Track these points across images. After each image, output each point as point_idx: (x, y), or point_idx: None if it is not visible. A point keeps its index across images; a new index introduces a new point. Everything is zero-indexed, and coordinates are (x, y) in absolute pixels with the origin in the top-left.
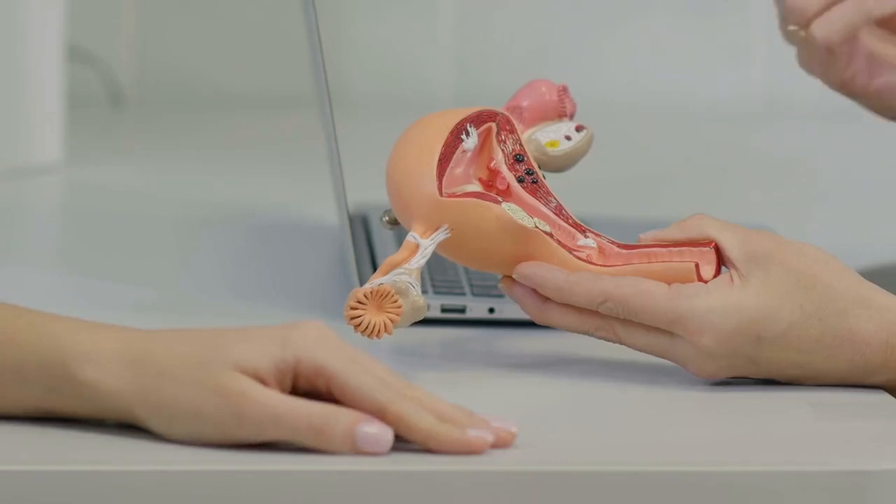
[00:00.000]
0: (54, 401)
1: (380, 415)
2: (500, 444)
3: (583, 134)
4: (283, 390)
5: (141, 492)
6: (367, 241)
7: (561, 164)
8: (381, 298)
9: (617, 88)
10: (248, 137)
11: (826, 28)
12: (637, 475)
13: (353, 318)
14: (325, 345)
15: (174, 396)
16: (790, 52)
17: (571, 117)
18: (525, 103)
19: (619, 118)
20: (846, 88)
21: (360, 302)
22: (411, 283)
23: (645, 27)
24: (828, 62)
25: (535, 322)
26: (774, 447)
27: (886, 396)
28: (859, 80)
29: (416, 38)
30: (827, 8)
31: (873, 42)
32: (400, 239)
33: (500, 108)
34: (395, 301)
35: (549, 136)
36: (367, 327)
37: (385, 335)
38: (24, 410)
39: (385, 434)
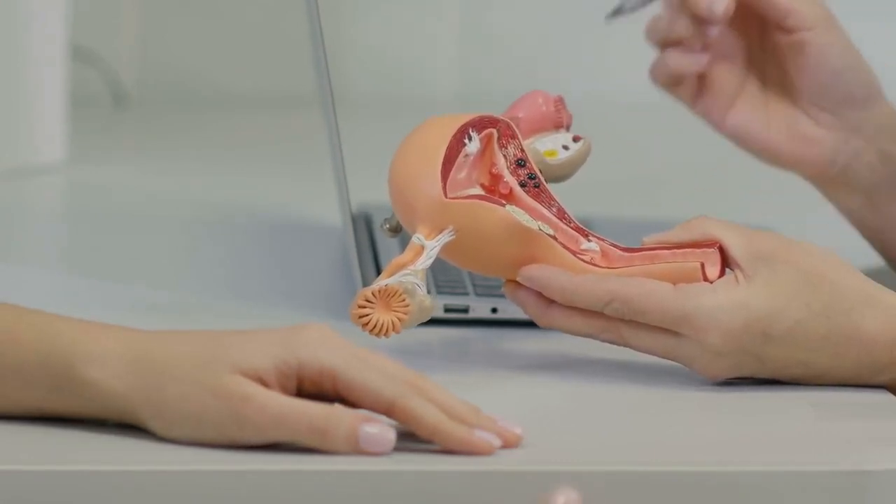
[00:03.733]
0: (56, 401)
1: (388, 410)
2: (506, 446)
3: (580, 144)
4: (286, 393)
5: (141, 492)
6: (369, 242)
7: (559, 174)
8: (388, 297)
9: (617, 88)
10: (250, 137)
11: (653, 72)
12: (637, 475)
13: (361, 317)
14: (328, 345)
15: (176, 397)
16: None
17: (568, 128)
18: (521, 114)
19: (619, 118)
20: (703, 118)
21: (368, 301)
22: (418, 284)
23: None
24: (678, 88)
25: (540, 326)
26: (774, 447)
27: (888, 396)
28: (713, 115)
29: (418, 37)
30: (667, 44)
31: (729, 78)
32: (402, 241)
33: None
34: (404, 300)
35: (548, 146)
36: (375, 326)
37: (392, 334)
38: (26, 411)
39: (387, 434)
